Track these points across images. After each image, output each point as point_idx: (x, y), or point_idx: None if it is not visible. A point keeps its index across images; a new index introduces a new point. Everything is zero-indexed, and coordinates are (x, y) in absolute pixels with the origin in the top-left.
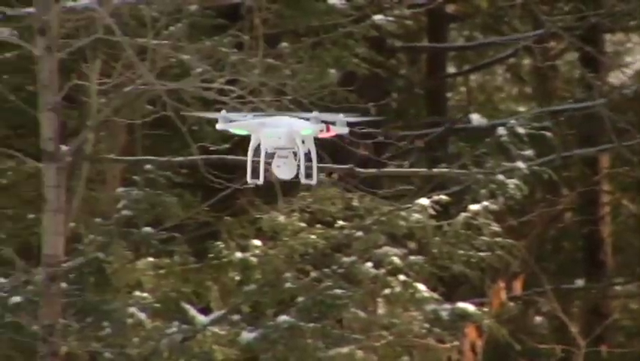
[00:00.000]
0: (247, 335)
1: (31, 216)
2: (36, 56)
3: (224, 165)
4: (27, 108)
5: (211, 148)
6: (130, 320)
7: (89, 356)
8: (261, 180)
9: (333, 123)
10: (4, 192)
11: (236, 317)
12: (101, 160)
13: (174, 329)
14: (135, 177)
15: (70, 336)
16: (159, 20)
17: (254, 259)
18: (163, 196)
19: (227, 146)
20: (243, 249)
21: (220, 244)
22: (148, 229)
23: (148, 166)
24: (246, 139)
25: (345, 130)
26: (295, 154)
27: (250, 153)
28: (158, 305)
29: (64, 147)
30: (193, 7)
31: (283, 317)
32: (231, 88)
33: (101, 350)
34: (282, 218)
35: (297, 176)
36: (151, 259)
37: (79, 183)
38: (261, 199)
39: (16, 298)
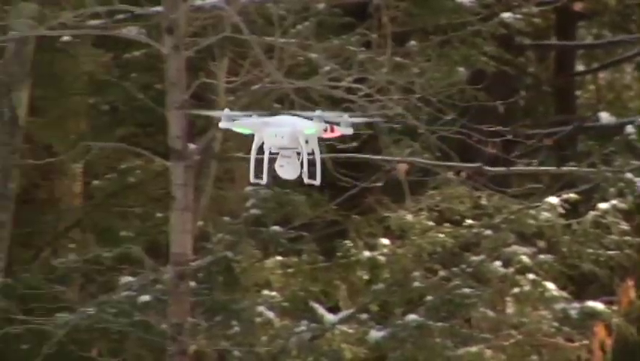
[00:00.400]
0: (375, 334)
1: (159, 214)
2: (164, 54)
3: (352, 164)
4: (155, 106)
5: (339, 147)
6: (258, 319)
7: (217, 354)
8: (264, 180)
9: (338, 124)
10: (133, 191)
11: (364, 316)
12: (229, 158)
13: (303, 328)
14: None
15: (198, 335)
16: (287, 18)
17: (382, 258)
18: (291, 195)
19: (355, 144)
20: (371, 248)
21: (348, 243)
22: (276, 228)
23: None
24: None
25: (349, 130)
26: (299, 154)
27: (253, 152)
28: (286, 304)
29: (192, 146)
30: (321, 6)
31: (411, 316)
32: (359, 86)
33: (229, 348)
34: (410, 217)
35: (300, 176)
36: (279, 257)
37: (207, 182)
38: (389, 198)
39: (145, 297)
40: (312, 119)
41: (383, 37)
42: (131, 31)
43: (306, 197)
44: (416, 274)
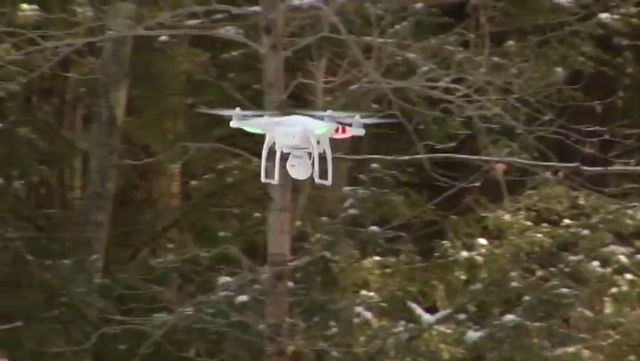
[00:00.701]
0: (473, 334)
1: (257, 214)
2: (261, 54)
3: (449, 164)
4: (253, 106)
5: (437, 147)
6: (356, 319)
7: (315, 355)
8: (276, 180)
9: (350, 125)
10: (230, 191)
11: (462, 316)
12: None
13: (400, 328)
14: (361, 176)
15: (296, 335)
16: (384, 18)
17: (479, 258)
18: (389, 195)
19: (452, 144)
20: (469, 248)
21: (446, 243)
22: (374, 228)
23: (374, 165)
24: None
25: (361, 131)
26: (310, 154)
27: (264, 152)
28: (384, 304)
29: None
30: (418, 5)
31: (509, 316)
32: (457, 87)
33: (327, 349)
34: (508, 216)
35: (312, 176)
36: (377, 258)
37: (305, 182)
38: (487, 198)
39: (243, 298)
40: (322, 119)
41: (481, 37)
42: (229, 31)
43: (404, 197)
44: (514, 274)
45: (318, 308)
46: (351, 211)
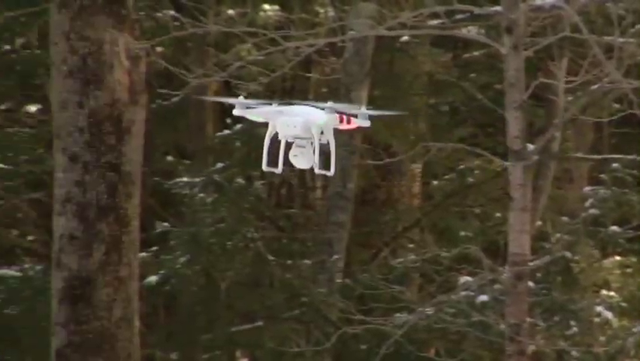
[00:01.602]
0: None
1: (497, 214)
2: (503, 54)
3: None
4: (494, 107)
5: None
6: (596, 319)
7: (555, 354)
8: (279, 170)
9: (355, 116)
10: (471, 191)
11: None
12: (568, 159)
13: None
14: (602, 176)
15: (537, 335)
16: (626, 18)
17: None
18: (629, 195)
19: None
20: None
21: None
22: (615, 228)
23: (615, 165)
24: None
25: (367, 123)
26: (313, 144)
27: (267, 140)
28: (624, 304)
29: (530, 146)
30: None
31: None
32: None
33: (567, 349)
34: None
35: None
36: (618, 258)
37: (545, 182)
38: None
39: (483, 297)
40: (324, 110)
41: None
42: (470, 31)
43: None
44: None
45: (558, 308)
46: (592, 211)
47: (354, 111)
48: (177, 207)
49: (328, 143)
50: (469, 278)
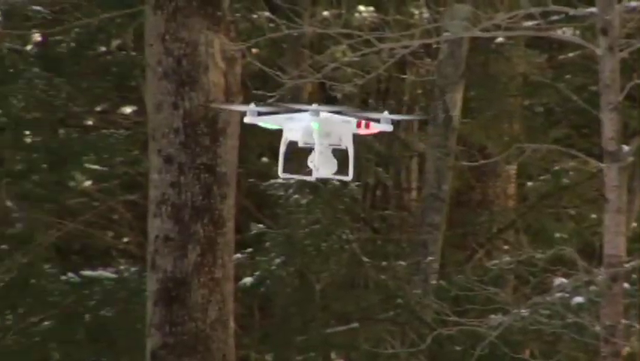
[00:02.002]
0: None
1: (593, 216)
2: (598, 55)
3: None
4: (589, 108)
5: None
6: None
7: None
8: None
9: (378, 120)
10: (566, 192)
11: None
12: None
13: None
14: None
15: (632, 337)
16: None
17: None
18: None
19: None
20: None
21: None
22: None
23: None
24: None
25: (389, 127)
26: (335, 150)
27: (282, 147)
28: None
29: (625, 147)
30: None
31: None
32: None
33: None
34: None
35: (336, 172)
36: None
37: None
38: None
39: (578, 299)
40: (342, 114)
41: None
42: (565, 33)
43: None
44: None
45: None
46: None
47: (375, 116)
48: (272, 208)
49: (347, 149)
50: (564, 280)
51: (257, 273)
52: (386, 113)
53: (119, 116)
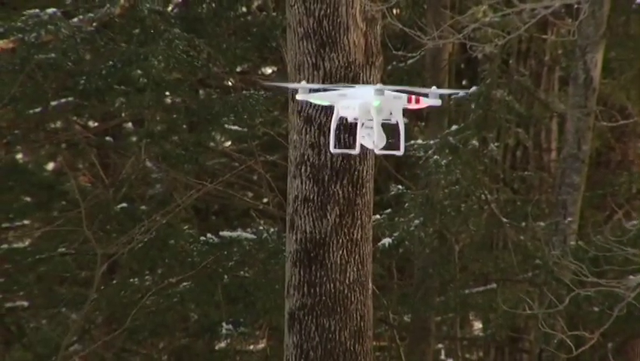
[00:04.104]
0: None
1: None
2: None
3: None
4: None
5: None
6: None
7: None
8: (356, 150)
9: (426, 95)
10: None
11: None
12: None
13: None
14: None
15: None
16: None
17: None
18: None
19: None
20: None
21: None
22: None
23: None
24: None
25: (438, 102)
26: (384, 125)
27: (333, 124)
28: None
29: None
30: None
31: None
32: None
33: None
34: None
35: (387, 147)
36: None
37: None
38: None
39: None
40: (396, 92)
41: None
42: None
43: None
44: None
45: None
46: None
47: (424, 91)
48: (412, 169)
49: (397, 123)
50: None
51: (396, 234)
52: (434, 88)
53: (260, 76)
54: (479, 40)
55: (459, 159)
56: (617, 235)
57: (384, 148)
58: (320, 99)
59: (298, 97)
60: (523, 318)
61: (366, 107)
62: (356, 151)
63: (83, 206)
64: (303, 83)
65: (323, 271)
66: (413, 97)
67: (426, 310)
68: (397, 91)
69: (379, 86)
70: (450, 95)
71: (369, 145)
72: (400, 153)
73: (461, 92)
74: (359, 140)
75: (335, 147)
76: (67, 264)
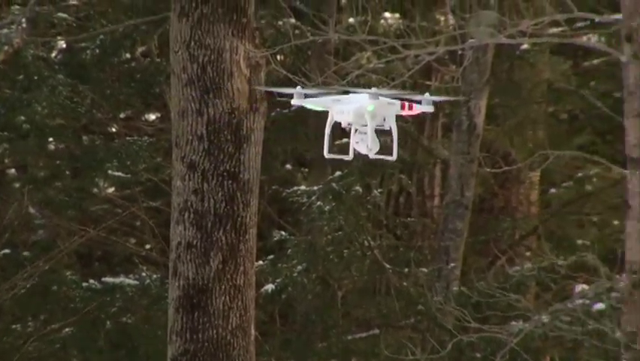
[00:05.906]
0: None
1: (615, 222)
2: (622, 62)
3: None
4: (613, 114)
5: None
6: None
7: None
8: (350, 156)
9: (419, 102)
10: (589, 199)
11: None
12: None
13: None
14: None
15: None
16: None
17: None
18: None
19: None
20: None
21: None
22: None
23: None
24: None
25: (430, 109)
26: (377, 131)
27: (327, 128)
28: None
29: None
30: None
31: None
32: None
33: None
34: None
35: (380, 152)
36: None
37: None
38: None
39: (600, 305)
40: (389, 97)
41: None
42: (591, 39)
43: None
44: None
45: None
46: None
47: (417, 97)
48: (295, 215)
49: (391, 129)
50: (585, 286)
51: (279, 280)
52: (427, 94)
53: (143, 123)
54: (363, 87)
55: (342, 205)
56: (500, 280)
57: (378, 153)
58: (314, 104)
59: (293, 102)
60: None
61: (361, 112)
62: (349, 157)
63: None
64: (298, 88)
65: (206, 318)
66: (407, 103)
67: (308, 357)
68: (391, 97)
69: (374, 90)
70: (442, 102)
71: (363, 150)
72: (393, 158)
73: (452, 99)
74: (353, 145)
75: (329, 153)
76: None
